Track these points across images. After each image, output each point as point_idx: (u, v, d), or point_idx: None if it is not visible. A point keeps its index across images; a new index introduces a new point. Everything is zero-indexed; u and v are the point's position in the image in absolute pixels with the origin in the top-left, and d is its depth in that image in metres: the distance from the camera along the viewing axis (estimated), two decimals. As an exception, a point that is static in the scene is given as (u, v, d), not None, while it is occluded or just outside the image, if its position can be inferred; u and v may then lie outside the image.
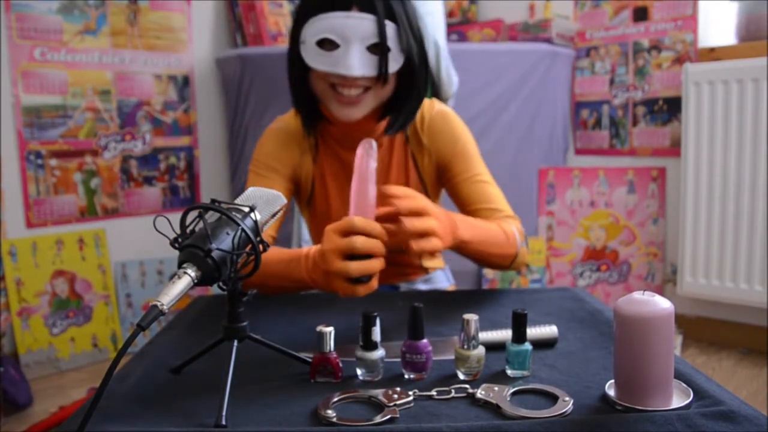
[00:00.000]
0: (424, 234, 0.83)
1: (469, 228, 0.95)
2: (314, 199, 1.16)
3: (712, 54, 2.22)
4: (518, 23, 2.51)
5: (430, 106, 1.14)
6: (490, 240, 0.99)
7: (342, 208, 1.13)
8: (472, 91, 2.22)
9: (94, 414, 0.59)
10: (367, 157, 0.86)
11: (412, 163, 1.14)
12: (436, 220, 0.85)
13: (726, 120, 2.06)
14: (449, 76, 1.89)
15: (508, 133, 2.34)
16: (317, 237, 1.21)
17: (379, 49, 0.97)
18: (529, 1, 2.69)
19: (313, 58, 0.99)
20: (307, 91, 1.05)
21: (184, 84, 2.45)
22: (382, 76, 0.98)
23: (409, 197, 0.86)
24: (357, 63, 0.96)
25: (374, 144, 0.88)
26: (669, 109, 2.37)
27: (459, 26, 2.70)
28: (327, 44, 0.98)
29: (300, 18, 1.00)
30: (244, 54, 2.28)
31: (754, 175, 2.02)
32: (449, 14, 2.78)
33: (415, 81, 1.04)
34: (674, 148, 2.35)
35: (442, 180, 1.14)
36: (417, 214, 0.84)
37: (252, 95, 2.26)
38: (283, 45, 2.37)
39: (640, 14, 2.41)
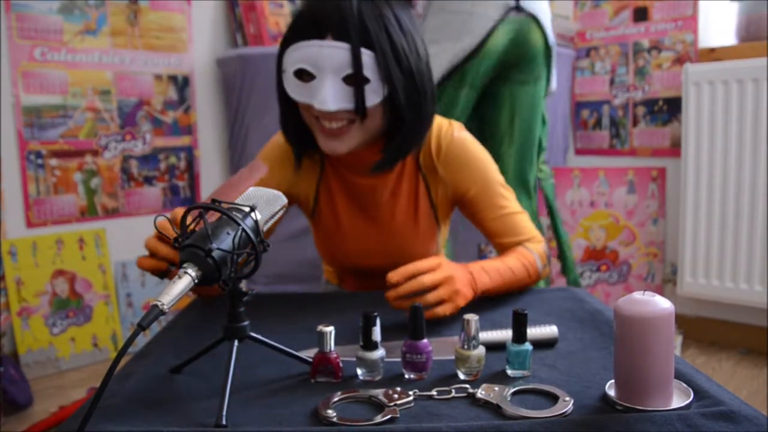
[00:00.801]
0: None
1: (487, 275, 0.97)
2: (320, 213, 1.14)
3: (712, 54, 2.22)
4: (518, 23, 2.51)
5: (447, 131, 1.07)
6: (511, 279, 1.02)
7: (351, 224, 1.13)
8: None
9: (94, 414, 0.59)
10: (246, 172, 0.82)
11: (423, 189, 1.10)
12: (445, 289, 0.89)
13: (726, 120, 2.06)
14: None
15: (508, 133, 2.33)
16: (322, 247, 1.20)
17: (355, 80, 0.91)
18: (529, 1, 2.68)
19: (293, 89, 0.95)
20: (298, 120, 1.02)
21: (184, 84, 2.45)
22: (359, 110, 0.93)
23: (414, 276, 0.88)
24: (331, 96, 0.91)
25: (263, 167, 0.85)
26: (669, 109, 2.37)
27: (459, 26, 2.70)
28: (304, 75, 0.94)
29: (283, 45, 0.96)
30: (244, 54, 2.27)
31: (754, 175, 2.02)
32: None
33: (402, 114, 0.96)
34: (674, 149, 2.35)
35: (464, 210, 1.12)
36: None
37: (252, 95, 2.26)
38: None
39: (640, 14, 2.41)
